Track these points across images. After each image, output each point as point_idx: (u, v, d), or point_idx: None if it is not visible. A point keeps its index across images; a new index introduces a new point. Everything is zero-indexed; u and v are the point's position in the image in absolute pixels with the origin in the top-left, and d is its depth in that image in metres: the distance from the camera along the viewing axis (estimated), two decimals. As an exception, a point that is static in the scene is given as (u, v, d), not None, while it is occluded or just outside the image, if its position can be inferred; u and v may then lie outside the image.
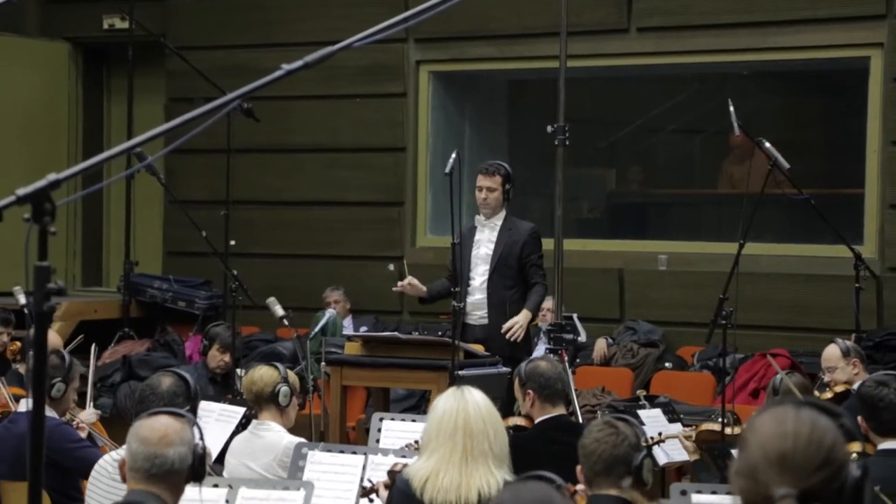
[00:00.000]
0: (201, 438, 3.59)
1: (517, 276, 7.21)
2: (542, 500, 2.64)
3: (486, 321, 7.14)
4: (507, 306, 7.12)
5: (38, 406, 2.50)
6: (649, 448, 3.95)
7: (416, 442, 4.95)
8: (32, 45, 11.39)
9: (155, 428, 3.56)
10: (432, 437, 4.02)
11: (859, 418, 4.71)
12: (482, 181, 7.22)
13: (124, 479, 3.59)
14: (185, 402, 4.52)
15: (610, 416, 4.15)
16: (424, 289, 7.24)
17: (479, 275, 7.22)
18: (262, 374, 5.50)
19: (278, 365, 5.60)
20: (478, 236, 7.28)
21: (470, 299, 7.12)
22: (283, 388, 5.46)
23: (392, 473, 4.34)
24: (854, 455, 4.76)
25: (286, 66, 2.82)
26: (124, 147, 2.85)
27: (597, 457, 3.77)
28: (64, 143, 11.46)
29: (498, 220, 7.30)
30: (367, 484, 4.65)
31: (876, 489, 2.31)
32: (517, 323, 7.00)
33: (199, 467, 3.57)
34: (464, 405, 4.01)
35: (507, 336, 6.97)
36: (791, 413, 2.23)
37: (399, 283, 7.25)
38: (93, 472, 4.58)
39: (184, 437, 3.56)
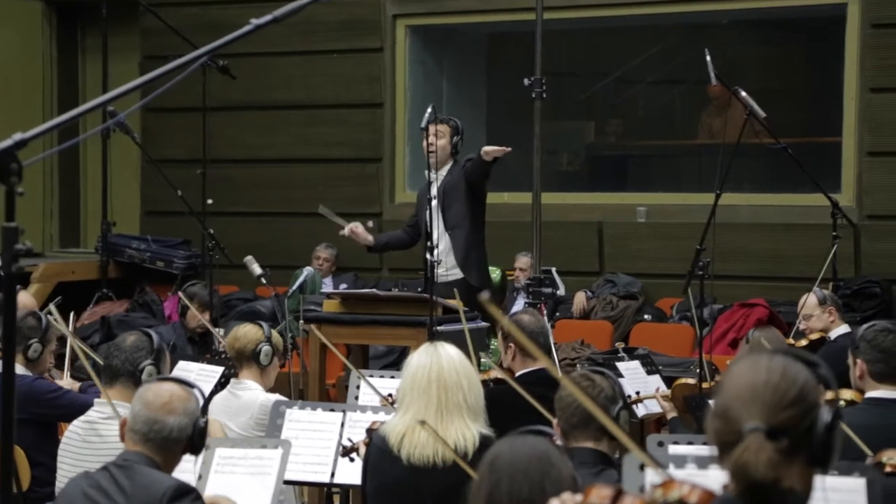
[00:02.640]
0: (204, 413, 3.59)
1: (467, 213, 7.14)
2: (540, 456, 2.63)
3: (447, 278, 7.08)
4: (468, 251, 7.10)
5: (8, 367, 2.48)
6: (626, 403, 3.96)
7: (390, 395, 4.96)
8: (6, 3, 11.26)
9: (160, 393, 3.56)
10: (407, 392, 4.01)
11: (858, 362, 4.69)
12: (430, 127, 7.09)
13: (123, 438, 3.60)
14: (146, 356, 4.52)
15: (587, 368, 4.15)
16: (371, 238, 7.36)
17: (436, 229, 7.19)
18: (245, 332, 5.51)
19: (263, 324, 5.61)
20: (432, 193, 7.25)
21: (429, 256, 7.12)
22: (265, 348, 5.47)
23: (370, 432, 4.34)
24: (842, 403, 4.76)
25: (255, 21, 2.79)
26: (94, 104, 2.81)
27: (573, 410, 3.76)
28: (39, 103, 11.37)
29: (443, 172, 7.25)
30: (346, 443, 4.65)
31: (846, 429, 2.35)
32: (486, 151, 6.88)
33: (198, 440, 3.57)
34: (437, 359, 4.00)
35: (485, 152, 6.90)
36: (764, 359, 2.29)
37: (344, 230, 7.27)
38: (63, 437, 4.58)
39: (187, 408, 3.56)
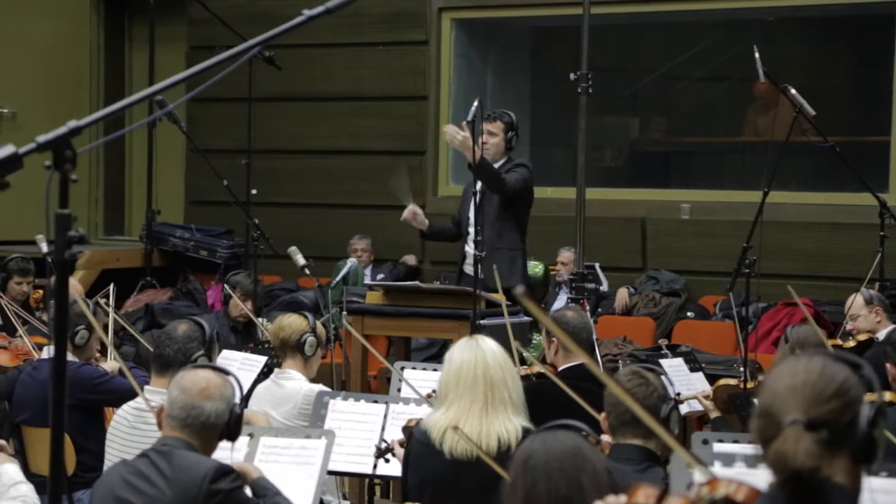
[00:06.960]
0: (242, 400, 3.62)
1: (498, 213, 6.94)
2: (574, 451, 2.61)
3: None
4: (491, 251, 6.99)
5: (60, 354, 2.50)
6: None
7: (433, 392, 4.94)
8: (54, -8, 11.38)
9: (196, 380, 3.60)
10: (451, 387, 3.98)
11: (888, 365, 4.67)
12: (483, 126, 6.96)
13: (160, 426, 3.62)
14: (199, 347, 4.54)
15: (637, 365, 4.13)
16: (427, 223, 7.17)
17: (472, 225, 7.10)
18: (290, 322, 5.51)
19: (308, 315, 5.60)
20: (476, 187, 7.15)
21: (467, 248, 7.10)
22: (310, 339, 5.47)
23: (407, 430, 4.32)
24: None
25: (307, 12, 2.79)
26: (145, 94, 2.82)
27: (626, 407, 3.74)
28: (86, 91, 11.47)
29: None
30: (381, 444, 4.62)
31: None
32: (459, 132, 6.57)
33: (235, 426, 3.60)
34: (481, 355, 3.97)
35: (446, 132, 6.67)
36: (804, 359, 2.32)
37: (405, 214, 7.11)
38: (112, 422, 4.61)
39: (223, 394, 3.59)
